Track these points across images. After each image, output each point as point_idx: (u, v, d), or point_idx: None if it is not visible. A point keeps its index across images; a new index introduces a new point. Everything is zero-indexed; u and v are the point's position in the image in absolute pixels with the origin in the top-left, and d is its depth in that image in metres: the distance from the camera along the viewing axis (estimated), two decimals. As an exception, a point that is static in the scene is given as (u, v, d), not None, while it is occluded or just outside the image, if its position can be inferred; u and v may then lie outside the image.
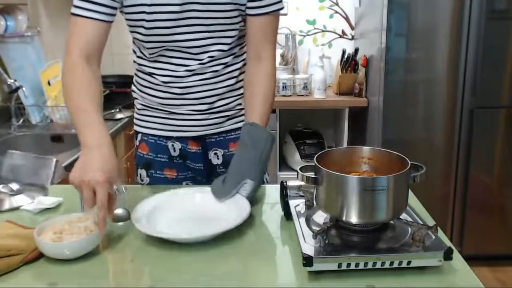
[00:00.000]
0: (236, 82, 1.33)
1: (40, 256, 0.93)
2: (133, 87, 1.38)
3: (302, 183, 0.96)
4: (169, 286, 0.85)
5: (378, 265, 0.86)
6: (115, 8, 1.17)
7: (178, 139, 1.34)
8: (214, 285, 0.85)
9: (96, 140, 1.02)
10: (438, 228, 0.92)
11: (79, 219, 1.00)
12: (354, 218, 0.91)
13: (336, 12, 3.25)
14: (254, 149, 1.14)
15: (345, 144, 2.95)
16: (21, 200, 1.19)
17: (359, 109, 2.92)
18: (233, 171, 1.14)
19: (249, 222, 1.00)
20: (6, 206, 1.17)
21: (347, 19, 3.25)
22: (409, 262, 0.86)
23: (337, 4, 3.23)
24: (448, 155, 2.66)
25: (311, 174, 0.95)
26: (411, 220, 0.99)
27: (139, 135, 1.38)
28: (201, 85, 1.27)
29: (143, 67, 1.30)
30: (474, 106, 2.57)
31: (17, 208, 1.17)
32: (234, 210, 1.07)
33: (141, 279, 0.87)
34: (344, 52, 2.97)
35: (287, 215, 1.08)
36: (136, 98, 1.37)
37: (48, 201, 1.18)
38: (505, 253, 2.74)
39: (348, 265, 0.85)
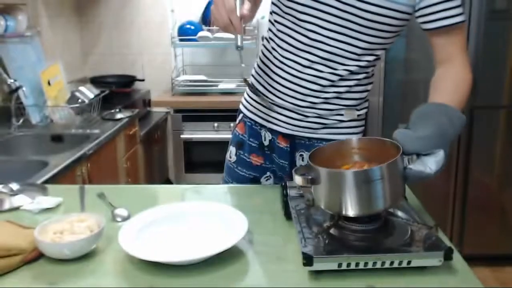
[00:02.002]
0: (346, 92, 1.29)
1: (40, 256, 0.94)
2: (255, 65, 1.40)
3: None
4: (169, 286, 0.85)
5: (378, 265, 0.86)
6: None
7: (270, 130, 1.35)
8: (214, 285, 0.85)
9: None
10: (438, 228, 0.92)
11: (79, 219, 1.00)
12: (353, 212, 0.91)
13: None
14: (452, 127, 1.10)
15: (345, 144, 2.94)
16: (21, 200, 1.19)
17: (359, 109, 2.92)
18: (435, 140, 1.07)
19: (249, 222, 0.99)
20: (6, 206, 1.17)
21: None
22: (409, 262, 0.86)
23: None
24: (448, 155, 2.65)
25: (307, 175, 0.95)
26: (411, 220, 0.99)
27: (241, 115, 1.43)
28: (316, 75, 1.24)
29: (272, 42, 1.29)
30: (474, 106, 2.57)
31: (17, 208, 1.16)
32: (230, 227, 1.00)
33: (141, 279, 0.87)
34: (344, 52, 2.97)
35: (287, 215, 1.08)
36: (252, 75, 1.39)
37: (48, 201, 1.18)
38: (505, 253, 2.73)
39: (348, 265, 0.85)
